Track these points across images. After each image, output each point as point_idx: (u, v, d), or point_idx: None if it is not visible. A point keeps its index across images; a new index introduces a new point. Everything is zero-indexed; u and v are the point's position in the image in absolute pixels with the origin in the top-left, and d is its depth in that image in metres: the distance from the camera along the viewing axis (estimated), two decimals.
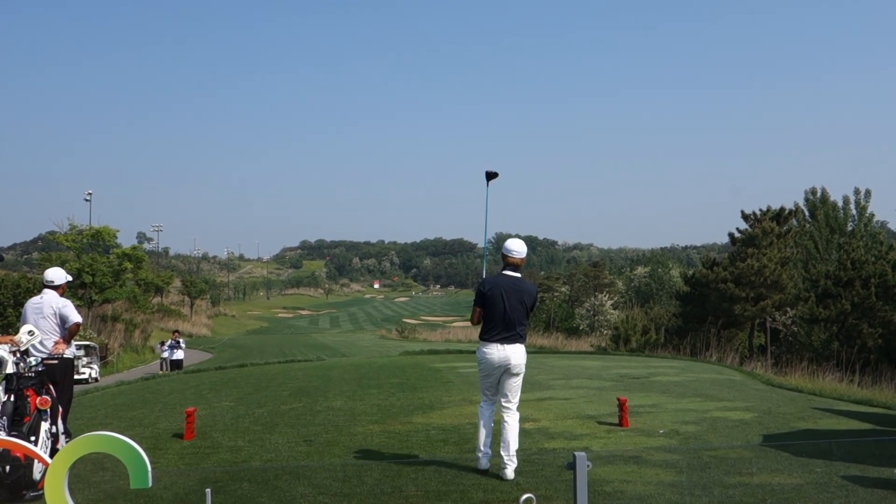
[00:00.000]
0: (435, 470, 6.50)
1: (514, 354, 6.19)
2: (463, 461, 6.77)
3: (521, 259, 6.42)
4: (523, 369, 6.30)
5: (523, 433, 8.05)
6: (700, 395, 11.20)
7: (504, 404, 6.27)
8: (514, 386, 6.27)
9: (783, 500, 5.35)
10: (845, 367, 24.58)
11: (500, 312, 6.17)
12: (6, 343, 6.61)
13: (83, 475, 6.53)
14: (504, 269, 6.40)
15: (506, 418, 6.21)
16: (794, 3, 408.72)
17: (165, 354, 31.52)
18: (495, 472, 6.24)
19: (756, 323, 34.13)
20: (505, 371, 6.21)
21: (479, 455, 6.31)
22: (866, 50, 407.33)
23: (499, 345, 6.17)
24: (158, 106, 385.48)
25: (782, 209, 35.69)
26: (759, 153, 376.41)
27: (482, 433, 6.27)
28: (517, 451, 6.16)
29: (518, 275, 6.37)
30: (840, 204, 43.15)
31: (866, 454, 6.82)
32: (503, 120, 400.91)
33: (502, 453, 6.09)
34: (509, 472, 6.04)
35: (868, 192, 42.84)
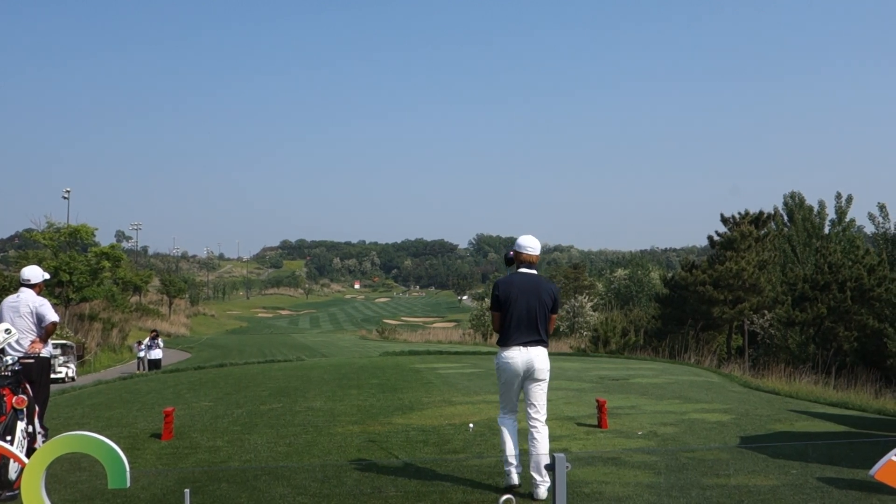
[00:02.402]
0: (415, 471, 6.51)
1: (537, 358, 5.74)
2: (443, 462, 6.78)
3: (537, 256, 5.98)
4: (548, 375, 5.83)
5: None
6: (678, 397, 11.28)
7: (532, 415, 5.76)
8: (540, 394, 5.79)
9: (759, 501, 5.40)
10: (821, 369, 24.85)
11: (520, 314, 5.75)
12: None
13: (60, 475, 6.47)
14: (519, 267, 5.96)
15: (535, 433, 5.72)
16: (772, 7, 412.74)
17: (142, 354, 31.30)
18: (468, 479, 6.24)
19: (734, 325, 34.43)
20: (528, 377, 5.75)
21: (511, 469, 5.72)
22: (859, 52, 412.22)
23: (521, 348, 5.73)
24: (138, 104, 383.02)
25: (761, 213, 36.03)
26: (742, 156, 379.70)
27: (509, 445, 5.76)
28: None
29: (534, 272, 5.95)
30: (817, 208, 43.57)
31: (841, 456, 6.90)
32: (484, 121, 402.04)
33: (533, 473, 5.53)
34: (542, 492, 5.49)
35: (850, 198, 43.23)
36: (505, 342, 5.79)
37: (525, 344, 5.74)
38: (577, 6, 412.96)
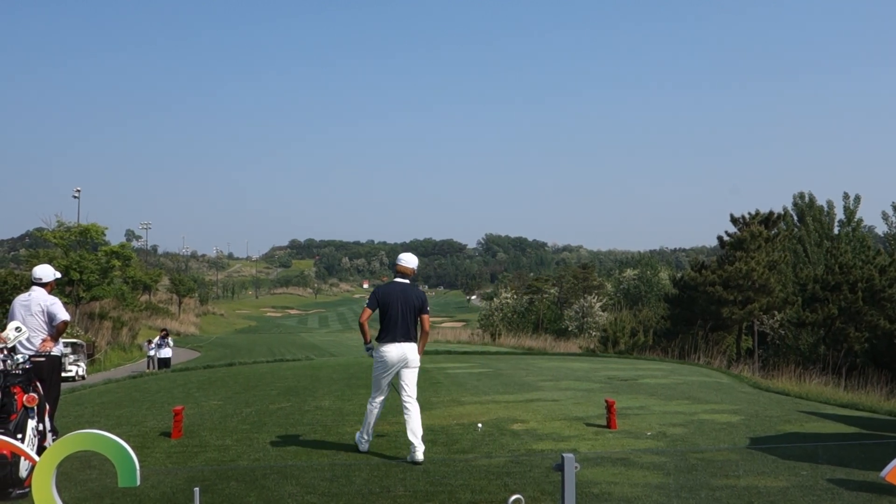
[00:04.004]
0: (423, 470, 6.51)
1: (410, 351, 7.06)
2: (451, 462, 6.79)
3: (411, 269, 7.32)
4: (418, 363, 7.17)
5: (511, 434, 8.13)
6: (688, 398, 11.25)
7: (407, 396, 7.05)
8: (412, 378, 7.12)
9: (769, 502, 5.38)
10: (832, 370, 24.78)
11: (396, 316, 7.02)
12: None
13: (70, 473, 6.50)
14: (395, 276, 7.31)
15: (410, 409, 6.99)
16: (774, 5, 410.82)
17: (152, 352, 31.39)
18: (477, 479, 6.24)
19: (744, 326, 34.29)
20: (403, 367, 7.05)
21: (365, 440, 7.34)
22: (858, 52, 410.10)
23: (397, 344, 7.00)
24: (148, 104, 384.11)
25: (771, 213, 35.83)
26: (750, 156, 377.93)
27: (372, 421, 7.24)
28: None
29: (407, 282, 7.27)
30: (826, 209, 43.41)
31: (852, 457, 6.87)
32: (493, 121, 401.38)
33: (413, 440, 6.81)
34: (420, 455, 6.75)
35: (857, 198, 43.10)
36: (383, 339, 7.05)
37: (400, 340, 7.02)
38: (583, 6, 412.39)
